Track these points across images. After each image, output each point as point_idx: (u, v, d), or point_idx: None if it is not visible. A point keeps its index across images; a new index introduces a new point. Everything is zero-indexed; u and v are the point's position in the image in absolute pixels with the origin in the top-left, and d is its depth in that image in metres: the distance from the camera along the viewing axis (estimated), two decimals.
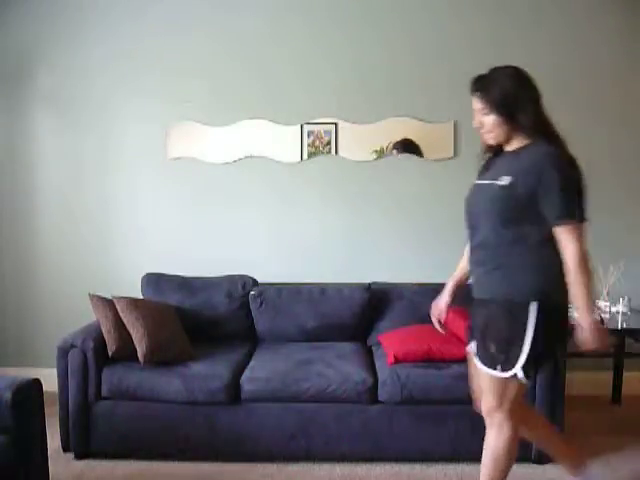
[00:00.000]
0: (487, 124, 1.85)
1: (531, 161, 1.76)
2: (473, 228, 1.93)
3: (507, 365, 1.82)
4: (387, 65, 3.45)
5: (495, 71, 1.84)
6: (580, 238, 1.75)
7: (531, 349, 1.79)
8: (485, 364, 1.88)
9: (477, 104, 1.85)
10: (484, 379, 1.91)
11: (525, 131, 1.80)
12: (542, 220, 1.78)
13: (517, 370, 1.81)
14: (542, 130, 1.79)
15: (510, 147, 1.87)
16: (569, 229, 1.74)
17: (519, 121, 1.79)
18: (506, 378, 1.84)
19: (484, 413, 1.96)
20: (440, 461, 2.66)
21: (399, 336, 2.92)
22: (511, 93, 1.78)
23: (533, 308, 1.78)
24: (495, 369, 1.84)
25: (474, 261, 1.96)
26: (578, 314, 1.79)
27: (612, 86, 3.42)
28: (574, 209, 1.74)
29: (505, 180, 1.79)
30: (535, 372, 1.91)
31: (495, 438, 1.93)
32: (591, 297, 1.78)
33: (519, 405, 1.94)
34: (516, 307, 1.81)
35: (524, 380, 1.84)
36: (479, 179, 1.96)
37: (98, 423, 2.65)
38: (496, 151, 1.94)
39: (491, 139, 1.88)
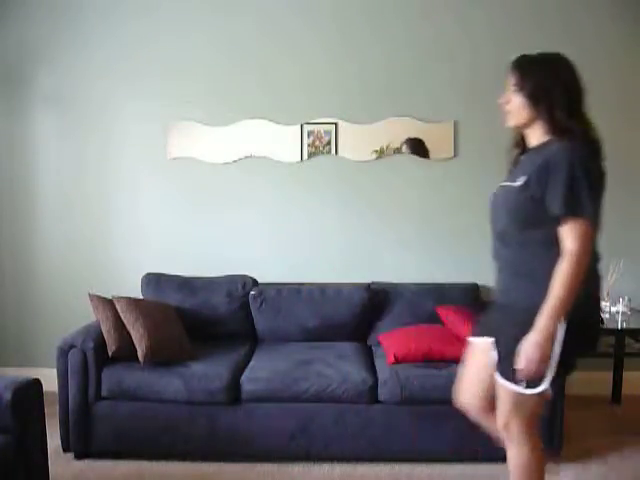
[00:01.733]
0: (513, 103, 1.76)
1: (546, 157, 1.66)
2: (496, 232, 1.85)
3: (534, 382, 1.68)
4: (387, 65, 3.45)
5: (542, 55, 1.76)
6: (581, 236, 1.60)
7: (560, 363, 1.66)
8: (508, 379, 1.73)
9: (511, 80, 1.77)
10: (503, 393, 1.77)
11: (547, 124, 1.71)
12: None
13: (545, 386, 1.68)
14: (566, 127, 1.67)
15: (533, 141, 1.78)
16: (570, 226, 1.61)
17: (543, 113, 1.70)
18: (530, 395, 1.71)
19: (499, 426, 1.83)
20: (440, 461, 2.66)
21: (399, 336, 2.92)
22: (546, 83, 1.69)
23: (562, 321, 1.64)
24: (519, 385, 1.70)
25: (498, 266, 1.87)
26: (540, 315, 1.63)
27: (612, 85, 3.41)
28: (578, 205, 1.59)
29: (520, 180, 1.70)
30: (560, 380, 1.81)
31: (517, 455, 1.81)
32: (562, 306, 1.60)
33: (538, 415, 1.82)
34: None
35: (550, 392, 1.72)
36: (504, 180, 1.86)
37: (98, 423, 2.65)
38: (523, 148, 1.85)
39: (512, 119, 1.80)
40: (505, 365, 1.74)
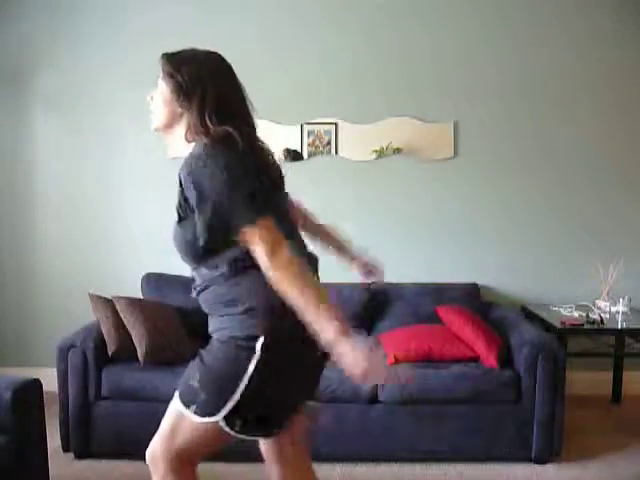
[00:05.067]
0: (156, 99, 1.52)
1: (186, 171, 1.49)
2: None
3: (206, 408, 1.46)
4: (387, 65, 3.45)
5: (196, 52, 1.51)
6: (264, 236, 1.40)
7: (244, 398, 1.43)
8: (181, 398, 1.56)
9: (161, 73, 1.50)
10: (167, 416, 1.60)
11: (189, 128, 1.49)
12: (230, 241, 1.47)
13: (219, 418, 1.46)
14: (209, 130, 1.45)
15: (184, 150, 1.56)
16: (251, 234, 1.41)
17: (185, 113, 1.48)
18: (201, 423, 1.49)
19: (148, 458, 1.59)
20: (440, 461, 2.66)
21: (399, 336, 2.92)
22: (196, 78, 1.45)
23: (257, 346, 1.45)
24: (189, 408, 1.50)
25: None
26: (322, 336, 1.30)
27: (609, 87, 3.42)
28: (246, 211, 1.42)
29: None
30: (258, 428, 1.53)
31: None
32: (325, 303, 1.33)
33: (197, 459, 1.66)
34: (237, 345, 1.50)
35: (230, 431, 1.48)
36: None
37: (98, 423, 2.65)
38: None
39: (153, 119, 1.56)
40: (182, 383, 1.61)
